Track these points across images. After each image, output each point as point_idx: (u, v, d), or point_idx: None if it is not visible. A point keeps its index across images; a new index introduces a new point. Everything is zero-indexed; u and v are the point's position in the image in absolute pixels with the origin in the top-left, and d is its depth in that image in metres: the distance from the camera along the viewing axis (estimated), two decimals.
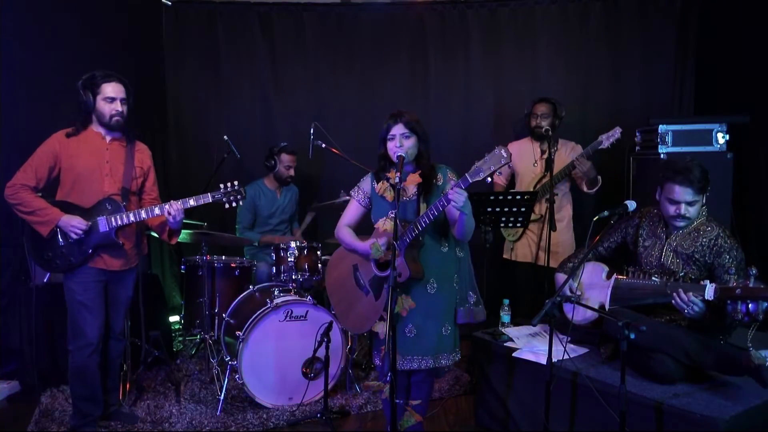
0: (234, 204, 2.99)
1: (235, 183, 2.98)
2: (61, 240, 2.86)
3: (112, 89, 2.92)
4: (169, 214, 2.89)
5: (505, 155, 2.24)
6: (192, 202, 2.93)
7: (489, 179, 2.30)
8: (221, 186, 2.97)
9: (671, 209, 2.61)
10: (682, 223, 2.63)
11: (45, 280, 2.96)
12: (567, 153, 3.87)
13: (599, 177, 3.74)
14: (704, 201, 2.63)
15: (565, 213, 3.96)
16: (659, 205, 2.70)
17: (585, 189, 3.75)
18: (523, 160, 4.00)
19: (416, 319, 2.51)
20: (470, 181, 2.31)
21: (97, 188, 2.91)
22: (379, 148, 2.61)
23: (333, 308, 2.82)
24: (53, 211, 2.84)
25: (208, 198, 2.95)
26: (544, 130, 3.78)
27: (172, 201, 2.90)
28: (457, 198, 2.29)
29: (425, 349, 2.54)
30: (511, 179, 4.18)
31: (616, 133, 3.57)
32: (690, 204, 2.58)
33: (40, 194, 2.90)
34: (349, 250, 2.70)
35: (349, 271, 2.70)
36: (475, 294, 2.66)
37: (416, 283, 2.51)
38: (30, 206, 2.84)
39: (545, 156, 3.89)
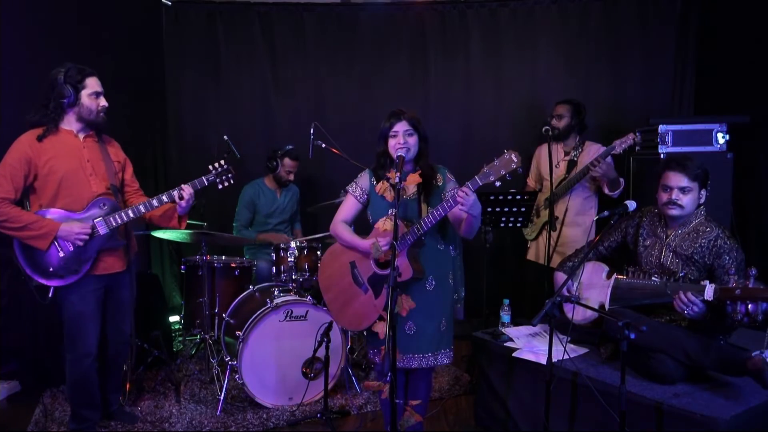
0: (226, 183, 2.94)
1: (223, 162, 2.93)
2: (60, 252, 2.72)
3: (96, 83, 2.80)
4: (182, 198, 2.83)
5: (515, 159, 2.25)
6: (189, 189, 2.87)
7: (498, 183, 2.30)
8: (210, 168, 2.92)
9: (664, 196, 2.63)
10: (675, 212, 2.61)
11: (50, 294, 2.83)
12: (591, 155, 3.78)
13: (621, 179, 3.71)
14: (702, 199, 2.63)
15: (587, 217, 3.84)
16: (658, 203, 2.70)
17: (607, 191, 3.72)
18: (547, 161, 3.98)
19: (416, 317, 2.52)
20: (480, 183, 2.32)
21: (85, 190, 2.77)
22: (379, 145, 2.61)
23: (327, 306, 2.79)
24: (48, 221, 2.68)
25: (204, 181, 2.89)
26: (544, 130, 3.77)
27: (183, 185, 2.85)
28: (466, 200, 2.30)
29: (425, 346, 2.56)
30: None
31: (629, 139, 3.56)
32: (683, 191, 2.58)
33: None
34: (346, 247, 2.68)
35: (346, 269, 2.67)
36: (464, 292, 2.70)
37: (415, 281, 2.52)
38: (19, 221, 2.64)
39: (568, 157, 3.89)
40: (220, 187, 2.94)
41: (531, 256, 4.06)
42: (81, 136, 2.84)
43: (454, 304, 2.65)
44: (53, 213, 2.73)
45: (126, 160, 3.03)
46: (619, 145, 3.58)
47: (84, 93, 2.76)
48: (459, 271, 2.68)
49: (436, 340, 2.57)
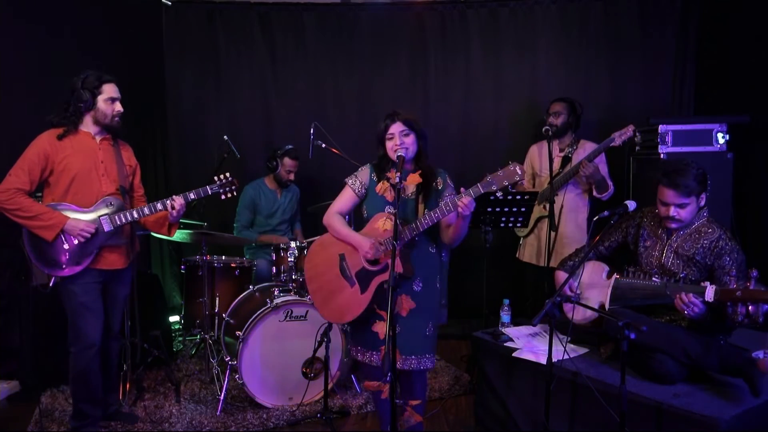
0: (229, 195, 3.06)
1: (227, 174, 3.06)
2: (65, 244, 2.84)
3: (113, 89, 2.94)
4: (173, 208, 2.93)
5: (519, 172, 2.27)
6: (192, 196, 2.98)
7: (500, 193, 2.31)
8: (216, 179, 3.05)
9: (663, 210, 2.64)
10: (675, 225, 2.64)
11: (51, 284, 2.93)
12: (586, 153, 3.79)
13: (611, 183, 3.71)
14: (701, 203, 2.62)
15: (579, 214, 3.87)
16: (659, 213, 2.70)
17: (595, 193, 3.75)
18: (543, 159, 3.98)
19: (400, 318, 2.49)
20: (482, 191, 2.33)
21: (95, 189, 2.90)
22: (378, 148, 2.61)
23: (310, 295, 2.75)
24: (57, 214, 2.81)
25: (207, 191, 3.01)
26: (544, 130, 3.78)
27: (174, 196, 2.95)
28: (468, 208, 2.31)
29: (409, 348, 2.51)
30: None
31: (629, 131, 3.57)
32: (680, 206, 2.58)
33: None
34: (338, 239, 2.64)
35: (334, 260, 2.63)
36: (445, 297, 2.69)
37: (403, 280, 2.49)
38: (30, 211, 2.79)
39: (563, 153, 3.90)
40: (223, 197, 3.07)
41: (525, 256, 4.05)
42: (98, 138, 2.97)
43: (439, 309, 2.64)
44: (63, 207, 2.85)
45: (137, 166, 3.15)
46: (619, 137, 3.59)
47: (100, 98, 2.91)
48: (445, 277, 2.68)
49: (422, 344, 2.54)
